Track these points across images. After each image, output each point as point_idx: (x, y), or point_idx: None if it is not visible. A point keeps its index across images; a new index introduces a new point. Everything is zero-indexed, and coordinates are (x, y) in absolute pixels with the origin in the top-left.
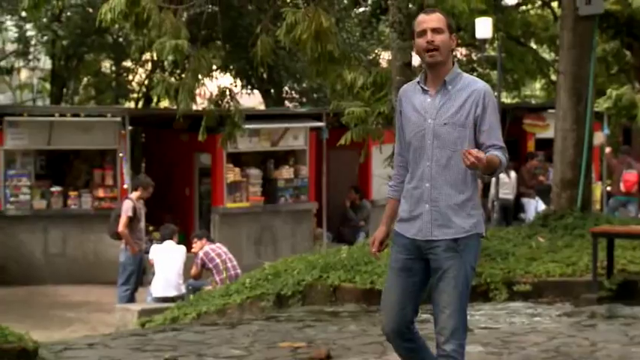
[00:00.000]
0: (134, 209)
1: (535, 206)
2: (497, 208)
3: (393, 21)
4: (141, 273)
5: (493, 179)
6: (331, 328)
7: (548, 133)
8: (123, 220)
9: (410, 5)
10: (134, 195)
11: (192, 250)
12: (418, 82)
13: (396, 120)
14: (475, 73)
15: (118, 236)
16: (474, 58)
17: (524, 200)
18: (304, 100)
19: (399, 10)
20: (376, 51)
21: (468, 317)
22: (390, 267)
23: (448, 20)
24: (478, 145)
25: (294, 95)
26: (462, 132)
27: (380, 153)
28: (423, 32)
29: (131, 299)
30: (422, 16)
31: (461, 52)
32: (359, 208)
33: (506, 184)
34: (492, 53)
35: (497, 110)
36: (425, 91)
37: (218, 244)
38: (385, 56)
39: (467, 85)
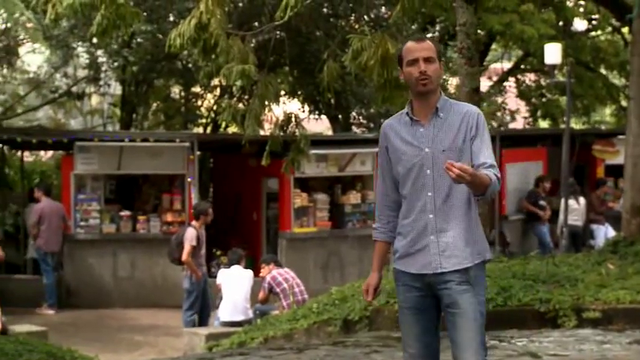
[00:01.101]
0: (197, 238)
1: (605, 232)
2: (566, 234)
3: (461, 47)
4: (207, 297)
5: (562, 205)
6: (398, 354)
7: (618, 160)
8: (187, 249)
9: (478, 31)
10: (197, 223)
11: (261, 274)
12: (407, 114)
13: (379, 158)
14: (544, 99)
15: (178, 262)
16: (543, 84)
17: (594, 227)
18: (371, 125)
19: (467, 36)
20: (444, 77)
21: (537, 344)
22: (400, 307)
23: (438, 48)
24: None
25: (362, 120)
26: (461, 157)
27: None
28: (415, 61)
29: (196, 323)
30: (412, 45)
31: (530, 78)
32: None
33: (576, 211)
34: (561, 79)
35: (487, 130)
36: (415, 122)
37: (286, 269)
38: (453, 82)
39: (457, 109)
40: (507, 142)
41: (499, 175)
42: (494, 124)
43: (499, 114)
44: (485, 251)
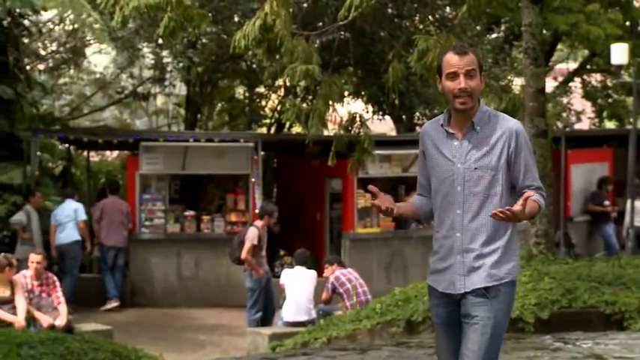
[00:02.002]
0: (259, 237)
1: None
2: (631, 236)
3: (526, 47)
4: (271, 297)
5: (627, 206)
6: None
7: None
8: (247, 247)
9: (544, 31)
10: (260, 223)
11: (324, 274)
12: (442, 125)
13: (419, 158)
14: (610, 100)
15: (239, 261)
16: (609, 84)
17: None
18: None
19: (533, 36)
20: (509, 77)
21: (602, 346)
22: (434, 322)
23: (480, 61)
24: (513, 188)
25: (426, 121)
26: (495, 176)
27: None
28: (455, 75)
29: (260, 323)
30: (453, 57)
31: (595, 79)
32: None
33: None
34: (628, 79)
35: (530, 148)
36: (450, 135)
37: (349, 270)
38: (518, 82)
39: (496, 124)
40: (573, 143)
41: (545, 194)
42: (560, 124)
43: (564, 115)
44: (511, 273)
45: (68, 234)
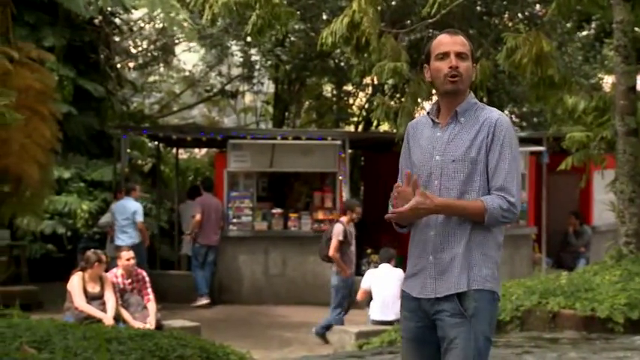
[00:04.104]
0: (345, 233)
1: None
2: None
3: (617, 45)
4: (353, 296)
5: None
6: (550, 355)
7: None
8: (334, 243)
9: (635, 29)
10: (344, 219)
11: None
12: (428, 114)
13: (401, 156)
14: None
15: (328, 259)
16: None
17: None
18: (524, 124)
19: (624, 34)
20: (599, 75)
21: None
22: (402, 336)
23: (471, 46)
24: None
25: (515, 119)
26: (472, 169)
27: (602, 178)
28: (445, 55)
29: (342, 322)
30: (444, 37)
31: None
32: (579, 234)
33: None
34: None
35: (512, 144)
36: (435, 124)
37: None
38: (609, 80)
39: (480, 115)
40: None
41: (511, 198)
42: None
43: None
44: (488, 279)
45: (130, 236)
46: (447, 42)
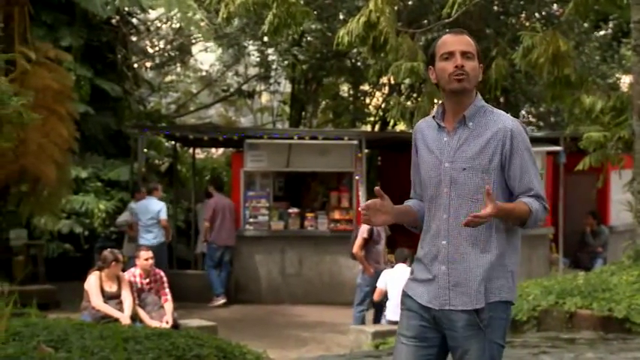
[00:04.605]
0: (370, 231)
1: None
2: None
3: (635, 44)
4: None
5: None
6: (567, 356)
7: None
8: (358, 241)
9: None
10: None
11: None
12: (434, 117)
13: (412, 157)
14: None
15: (353, 256)
16: None
17: None
18: (541, 123)
19: None
20: (617, 75)
21: None
22: (399, 335)
23: (477, 46)
24: (510, 194)
25: (531, 119)
26: (485, 178)
27: (619, 178)
28: (450, 54)
29: (363, 320)
30: (449, 37)
31: None
32: (597, 234)
33: None
34: None
35: (530, 150)
36: (441, 129)
37: None
38: (626, 80)
39: (491, 121)
40: None
41: (545, 202)
42: None
43: None
44: (504, 290)
45: (156, 235)
46: (452, 41)
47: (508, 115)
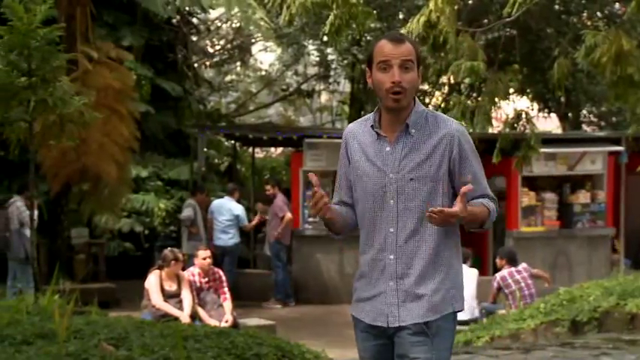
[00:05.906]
0: None
1: None
2: None
3: None
4: None
5: None
6: (628, 357)
7: None
8: None
9: None
10: None
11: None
12: (372, 127)
13: (341, 161)
14: None
15: None
16: None
17: None
18: (603, 123)
19: None
20: None
21: None
22: (360, 356)
23: (418, 51)
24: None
25: (593, 119)
26: (434, 187)
27: None
28: (388, 66)
29: None
30: (386, 45)
31: None
32: None
33: None
34: None
35: (475, 152)
36: (381, 138)
37: (519, 267)
38: None
39: (435, 126)
40: None
41: (498, 207)
42: None
43: None
44: (456, 300)
45: (232, 236)
46: (390, 50)
47: (450, 117)
